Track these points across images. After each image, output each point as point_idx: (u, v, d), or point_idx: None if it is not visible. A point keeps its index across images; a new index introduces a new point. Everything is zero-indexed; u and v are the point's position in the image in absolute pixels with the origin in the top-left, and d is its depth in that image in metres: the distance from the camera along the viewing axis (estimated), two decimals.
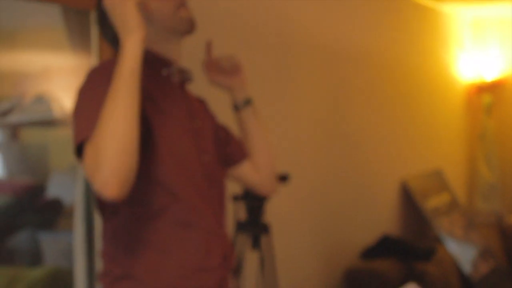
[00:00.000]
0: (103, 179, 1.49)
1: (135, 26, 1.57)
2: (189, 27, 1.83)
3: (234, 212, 3.00)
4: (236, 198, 2.98)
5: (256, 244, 3.05)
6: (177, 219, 1.73)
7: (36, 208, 4.58)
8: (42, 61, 4.11)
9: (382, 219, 4.99)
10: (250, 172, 2.10)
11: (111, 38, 1.81)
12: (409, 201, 5.16)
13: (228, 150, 2.05)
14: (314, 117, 4.27)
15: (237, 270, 3.10)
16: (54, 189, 4.61)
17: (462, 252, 4.92)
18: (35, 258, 4.44)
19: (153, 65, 1.79)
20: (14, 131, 4.88)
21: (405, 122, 5.30)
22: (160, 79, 1.80)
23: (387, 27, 5.06)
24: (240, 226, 3.08)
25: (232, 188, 2.90)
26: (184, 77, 1.88)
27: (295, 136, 4.09)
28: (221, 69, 2.04)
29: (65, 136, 3.77)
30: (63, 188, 4.54)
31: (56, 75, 3.74)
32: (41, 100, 3.58)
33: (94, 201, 1.82)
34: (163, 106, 1.75)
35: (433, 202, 5.20)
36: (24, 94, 3.78)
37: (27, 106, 3.65)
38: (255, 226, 3.03)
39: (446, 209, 5.28)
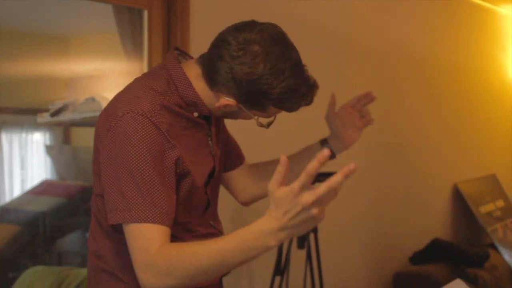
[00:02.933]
0: (146, 284, 1.53)
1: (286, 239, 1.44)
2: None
3: None
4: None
5: (303, 242, 3.03)
6: None
7: (87, 209, 4.63)
8: (95, 64, 4.17)
9: (433, 223, 4.91)
10: (239, 177, 2.08)
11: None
12: (461, 205, 5.07)
13: (232, 155, 2.05)
14: None
15: (284, 268, 3.08)
16: None
17: None
18: (85, 259, 4.48)
19: (192, 106, 1.75)
20: (66, 134, 4.96)
21: (459, 124, 5.21)
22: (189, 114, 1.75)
23: (442, 28, 5.00)
24: None
25: None
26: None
27: None
28: (346, 121, 2.04)
29: None
30: None
31: (108, 77, 3.79)
32: (92, 100, 3.63)
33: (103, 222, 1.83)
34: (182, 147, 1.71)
35: (486, 208, 5.09)
36: (77, 95, 3.84)
37: (79, 106, 3.71)
38: None
39: (500, 215, 5.17)
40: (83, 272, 3.72)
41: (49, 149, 4.96)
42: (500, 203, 5.30)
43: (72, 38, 4.90)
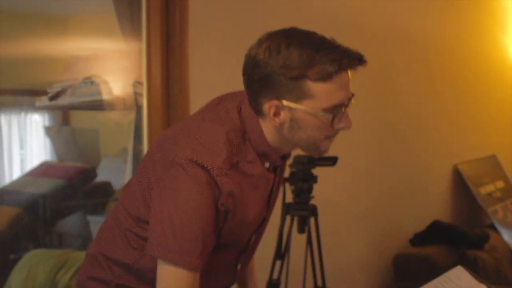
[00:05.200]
0: None
1: None
2: (317, 155, 1.76)
3: (281, 194, 2.97)
4: (283, 180, 2.95)
5: (303, 227, 3.02)
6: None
7: (87, 191, 4.63)
8: (93, 46, 4.16)
9: (433, 204, 4.91)
10: None
11: None
12: (461, 186, 5.06)
13: None
14: (364, 99, 4.21)
15: (284, 253, 3.08)
16: (104, 173, 4.66)
17: None
18: (85, 241, 4.49)
19: (264, 157, 1.73)
20: (65, 115, 4.95)
21: (458, 105, 5.20)
22: (261, 168, 1.74)
23: (442, 8, 4.95)
24: (288, 208, 3.06)
25: None
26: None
27: None
28: None
29: (115, 120, 3.80)
30: (113, 171, 4.59)
31: (106, 59, 3.78)
32: (91, 82, 3.61)
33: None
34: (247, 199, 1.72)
35: (486, 188, 5.09)
36: (75, 77, 3.83)
37: (77, 89, 3.69)
38: (302, 208, 3.00)
39: (500, 196, 5.17)
40: (83, 255, 3.72)
41: (48, 130, 4.95)
42: (500, 184, 5.30)
43: (69, 18, 4.88)
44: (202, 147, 1.63)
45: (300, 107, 1.60)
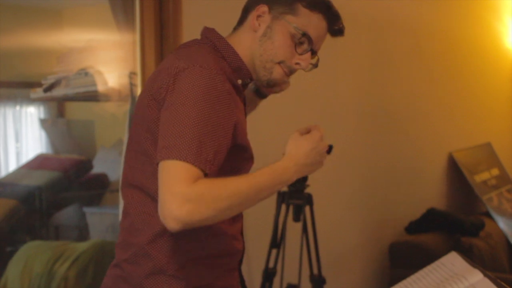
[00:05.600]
0: (189, 216, 1.50)
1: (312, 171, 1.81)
2: (265, 81, 1.87)
3: None
4: None
5: (298, 215, 3.03)
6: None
7: (83, 183, 4.64)
8: (87, 37, 4.15)
9: (428, 192, 4.92)
10: None
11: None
12: (456, 175, 5.08)
13: None
14: (359, 87, 4.22)
15: (280, 241, 3.09)
16: (100, 164, 4.67)
17: (511, 227, 4.83)
18: (81, 232, 4.50)
19: (237, 72, 1.84)
20: (60, 107, 4.95)
21: (453, 93, 5.20)
22: (235, 85, 1.82)
23: None
24: (283, 197, 3.07)
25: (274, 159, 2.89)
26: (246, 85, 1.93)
27: (339, 106, 4.05)
28: None
29: (110, 111, 3.80)
30: (109, 163, 4.59)
31: (100, 50, 3.77)
32: (85, 73, 3.61)
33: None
34: (238, 112, 1.76)
35: (481, 176, 5.10)
36: (69, 69, 3.82)
37: (72, 80, 3.69)
38: (298, 197, 3.01)
39: (495, 183, 5.19)
40: (80, 246, 3.74)
41: (43, 122, 4.95)
42: (495, 171, 5.31)
43: (63, 10, 4.88)
44: (190, 57, 1.71)
45: (282, 18, 1.81)
